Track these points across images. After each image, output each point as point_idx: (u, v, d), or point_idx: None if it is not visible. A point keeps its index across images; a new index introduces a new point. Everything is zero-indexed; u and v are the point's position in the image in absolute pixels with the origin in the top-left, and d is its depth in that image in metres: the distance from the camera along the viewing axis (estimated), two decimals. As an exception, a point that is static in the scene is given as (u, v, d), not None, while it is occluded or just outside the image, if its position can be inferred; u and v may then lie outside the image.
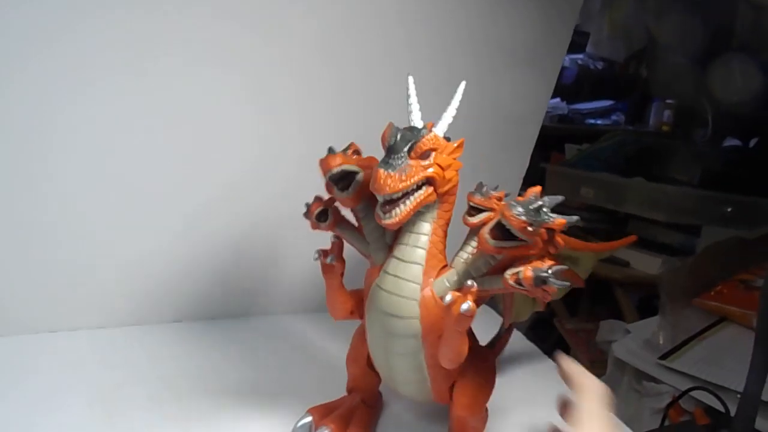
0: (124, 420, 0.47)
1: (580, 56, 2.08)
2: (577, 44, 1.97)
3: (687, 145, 1.36)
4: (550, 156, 1.58)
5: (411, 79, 0.40)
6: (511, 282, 0.36)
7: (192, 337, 0.62)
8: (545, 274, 0.34)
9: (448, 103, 0.40)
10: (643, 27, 1.59)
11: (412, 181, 0.36)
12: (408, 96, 0.40)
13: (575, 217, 0.37)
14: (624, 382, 0.94)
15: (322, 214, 0.44)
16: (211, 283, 0.65)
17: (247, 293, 0.68)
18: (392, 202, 0.37)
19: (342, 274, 0.44)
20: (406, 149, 0.36)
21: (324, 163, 0.41)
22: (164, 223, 0.60)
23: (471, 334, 0.43)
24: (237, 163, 0.61)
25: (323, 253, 0.43)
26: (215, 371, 0.56)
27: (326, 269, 0.43)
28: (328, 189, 0.43)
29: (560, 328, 1.28)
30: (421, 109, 0.40)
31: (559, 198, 0.36)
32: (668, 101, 1.85)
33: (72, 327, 0.59)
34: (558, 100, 2.05)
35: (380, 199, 0.37)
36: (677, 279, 0.94)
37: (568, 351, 1.20)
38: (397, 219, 0.37)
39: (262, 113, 0.60)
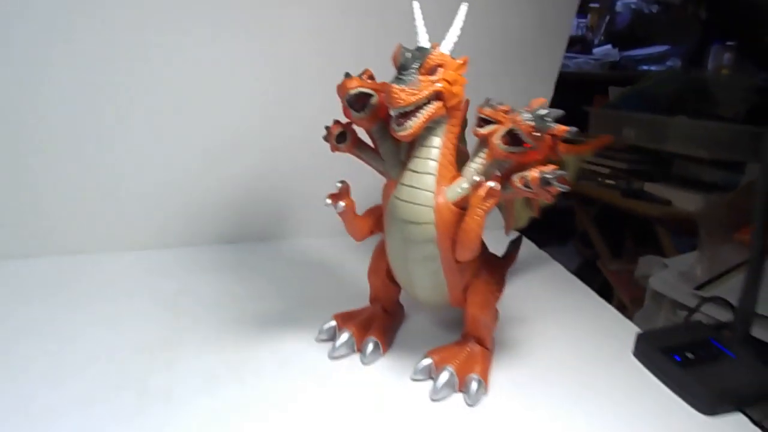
0: (190, 319, 0.55)
1: (634, 0, 2.01)
2: (630, -13, 1.90)
3: (732, 81, 1.31)
4: (594, 100, 1.56)
5: (416, 4, 0.43)
6: (518, 184, 0.40)
7: (233, 257, 0.70)
8: (549, 176, 0.39)
9: (451, 24, 0.43)
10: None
11: (423, 94, 0.39)
12: (414, 19, 0.43)
13: (574, 129, 0.41)
14: (661, 316, 0.95)
15: (340, 135, 0.47)
16: (244, 210, 0.73)
17: (279, 218, 0.76)
18: (405, 115, 0.40)
19: (354, 210, 0.47)
20: (415, 66, 0.40)
21: (341, 87, 0.44)
22: (200, 158, 0.69)
23: (482, 242, 0.46)
24: (262, 102, 0.68)
25: (333, 199, 0.46)
26: (255, 286, 0.63)
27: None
28: (345, 112, 0.46)
29: (604, 269, 1.30)
30: (427, 33, 0.43)
31: (560, 111, 0.40)
32: (729, 43, 1.77)
33: (131, 247, 0.69)
34: (609, 47, 1.99)
35: (394, 112, 0.40)
36: (715, 213, 0.94)
37: (611, 291, 1.22)
38: (411, 130, 0.40)
39: (277, 47, 0.66)
